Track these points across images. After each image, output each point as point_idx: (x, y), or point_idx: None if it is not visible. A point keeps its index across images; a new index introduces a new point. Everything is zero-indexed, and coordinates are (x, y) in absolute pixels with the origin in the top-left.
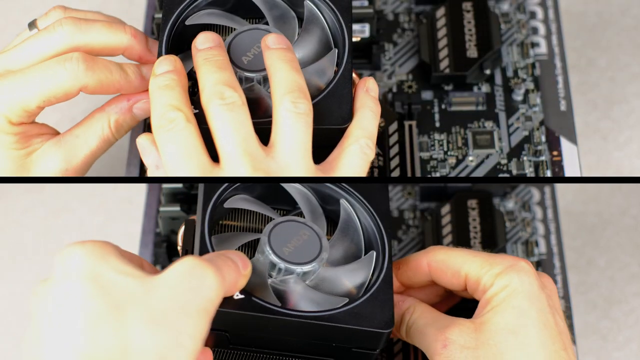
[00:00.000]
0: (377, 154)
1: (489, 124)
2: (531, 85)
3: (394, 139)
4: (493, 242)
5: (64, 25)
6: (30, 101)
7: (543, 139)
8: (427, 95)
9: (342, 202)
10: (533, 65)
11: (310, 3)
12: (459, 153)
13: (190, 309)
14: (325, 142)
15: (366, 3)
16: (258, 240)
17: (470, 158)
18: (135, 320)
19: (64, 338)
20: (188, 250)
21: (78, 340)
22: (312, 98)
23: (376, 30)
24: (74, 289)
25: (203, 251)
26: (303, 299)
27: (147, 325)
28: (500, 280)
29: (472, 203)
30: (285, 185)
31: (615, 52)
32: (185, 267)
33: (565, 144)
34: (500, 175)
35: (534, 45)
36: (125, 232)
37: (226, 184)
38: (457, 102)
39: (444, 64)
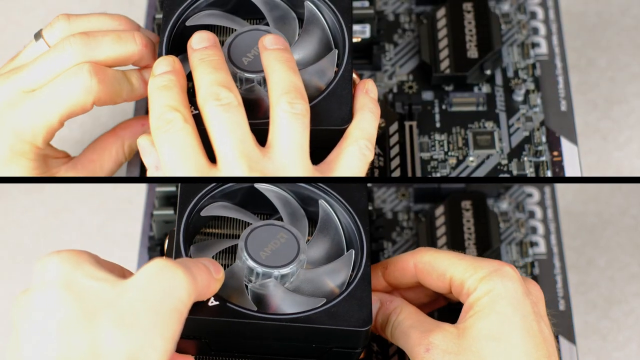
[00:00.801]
0: (378, 155)
1: (489, 125)
2: (532, 86)
3: (394, 139)
4: (487, 243)
5: (73, 45)
6: (52, 122)
7: (543, 139)
8: (427, 95)
9: (321, 202)
10: (533, 66)
11: (310, 4)
12: (459, 153)
13: (161, 309)
14: (325, 143)
15: (367, 4)
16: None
17: (471, 158)
18: (107, 323)
19: (40, 343)
20: None
21: (52, 345)
22: (312, 99)
23: (377, 31)
24: (49, 297)
25: (178, 258)
26: (284, 302)
27: (117, 327)
28: (484, 284)
29: (466, 204)
30: (263, 190)
31: (615, 52)
32: (154, 268)
33: (565, 144)
34: (501, 175)
35: (535, 45)
36: (125, 232)
37: (203, 192)
38: (457, 102)
39: (444, 64)
